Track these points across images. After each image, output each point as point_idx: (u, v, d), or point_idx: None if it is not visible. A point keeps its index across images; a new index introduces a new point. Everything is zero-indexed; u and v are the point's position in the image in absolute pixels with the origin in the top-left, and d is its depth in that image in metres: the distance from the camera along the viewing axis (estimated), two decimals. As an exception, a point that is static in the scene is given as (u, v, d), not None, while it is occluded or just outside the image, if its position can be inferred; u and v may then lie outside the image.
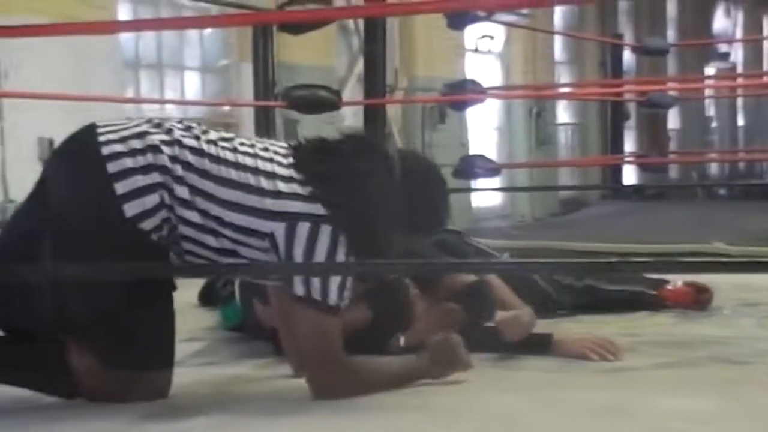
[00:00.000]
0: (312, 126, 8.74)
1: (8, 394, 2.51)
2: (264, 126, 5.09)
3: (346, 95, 7.89)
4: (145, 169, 2.34)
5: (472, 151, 10.12)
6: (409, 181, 2.48)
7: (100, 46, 6.63)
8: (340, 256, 2.36)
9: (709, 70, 17.74)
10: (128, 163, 2.33)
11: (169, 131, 2.41)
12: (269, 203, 2.37)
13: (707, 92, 13.18)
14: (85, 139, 2.41)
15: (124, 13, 7.41)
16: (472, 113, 10.52)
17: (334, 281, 2.36)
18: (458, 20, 5.50)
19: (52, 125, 6.12)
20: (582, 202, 13.02)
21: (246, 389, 2.62)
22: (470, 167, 5.73)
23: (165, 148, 2.37)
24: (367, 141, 2.58)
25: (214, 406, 2.41)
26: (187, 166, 2.36)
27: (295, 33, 5.47)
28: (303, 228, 2.36)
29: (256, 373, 2.84)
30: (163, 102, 8.17)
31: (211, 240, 2.39)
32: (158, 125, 2.44)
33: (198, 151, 2.39)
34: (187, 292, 2.81)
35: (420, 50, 10.23)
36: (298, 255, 2.35)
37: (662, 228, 8.16)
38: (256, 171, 2.41)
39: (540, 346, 2.96)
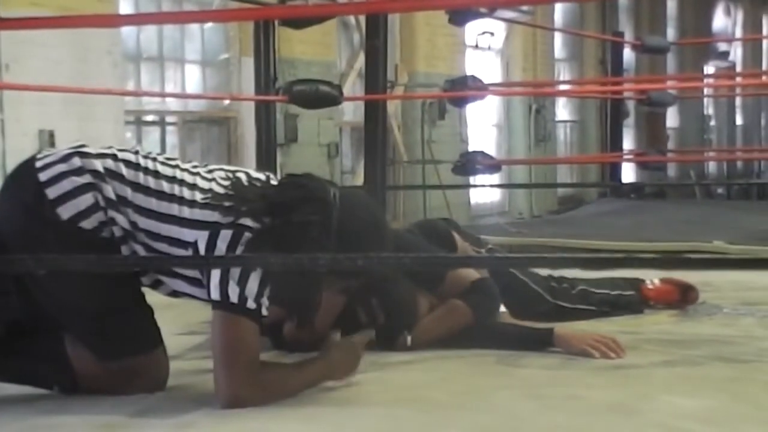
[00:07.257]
0: (312, 121, 8.76)
1: (7, 387, 2.51)
2: (264, 120, 5.08)
3: (346, 90, 7.89)
4: (78, 172, 2.40)
5: (471, 147, 10.13)
6: (344, 234, 2.40)
7: (101, 39, 6.63)
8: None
9: (709, 68, 17.76)
10: (60, 168, 2.40)
11: (101, 154, 2.45)
12: (197, 213, 2.39)
13: (706, 91, 13.19)
14: (25, 162, 2.48)
15: (125, 6, 7.40)
16: (471, 109, 10.53)
17: (252, 285, 2.32)
18: (459, 16, 5.50)
19: (53, 117, 6.13)
20: (580, 200, 13.04)
21: (247, 384, 2.61)
22: (470, 163, 5.74)
23: (96, 161, 2.42)
24: (311, 188, 2.46)
25: (213, 400, 2.41)
26: (119, 176, 2.41)
27: (297, 28, 5.47)
28: (225, 234, 2.35)
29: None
30: (163, 95, 8.17)
31: (141, 250, 2.42)
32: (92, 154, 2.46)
33: (133, 165, 2.43)
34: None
35: (421, 46, 10.23)
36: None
37: (661, 226, 8.16)
38: (181, 183, 2.44)
39: (541, 342, 2.96)
